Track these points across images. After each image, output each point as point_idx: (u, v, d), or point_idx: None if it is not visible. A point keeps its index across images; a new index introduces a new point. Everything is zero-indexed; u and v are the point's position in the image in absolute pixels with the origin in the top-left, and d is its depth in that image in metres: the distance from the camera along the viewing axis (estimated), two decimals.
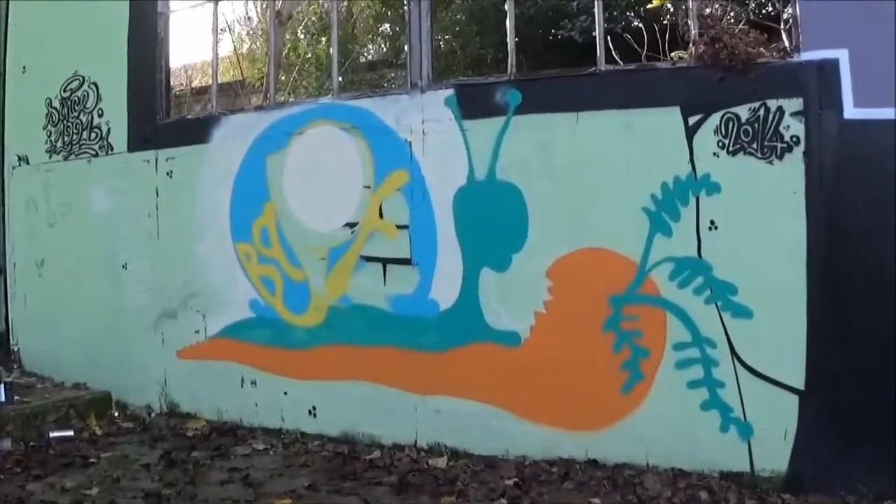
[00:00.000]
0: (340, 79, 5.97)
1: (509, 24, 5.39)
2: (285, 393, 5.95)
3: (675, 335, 4.74)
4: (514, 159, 5.12)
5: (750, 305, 4.56)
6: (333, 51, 6.23)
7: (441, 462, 5.23)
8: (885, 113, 4.26)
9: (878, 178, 4.32)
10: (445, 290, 5.35)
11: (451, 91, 5.34)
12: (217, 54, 6.66)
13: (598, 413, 4.96)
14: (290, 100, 6.28)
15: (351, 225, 5.66)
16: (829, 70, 4.37)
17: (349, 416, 5.70)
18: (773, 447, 4.53)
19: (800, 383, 4.47)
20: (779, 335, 4.51)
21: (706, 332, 4.66)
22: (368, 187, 5.60)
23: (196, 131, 6.31)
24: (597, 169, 4.92)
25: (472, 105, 5.25)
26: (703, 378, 4.68)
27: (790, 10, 4.50)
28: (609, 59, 5.41)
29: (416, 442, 5.47)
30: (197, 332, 6.30)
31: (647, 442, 4.81)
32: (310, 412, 5.86)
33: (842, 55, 4.33)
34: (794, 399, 4.49)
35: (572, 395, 5.02)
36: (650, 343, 4.80)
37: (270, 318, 6.01)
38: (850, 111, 4.32)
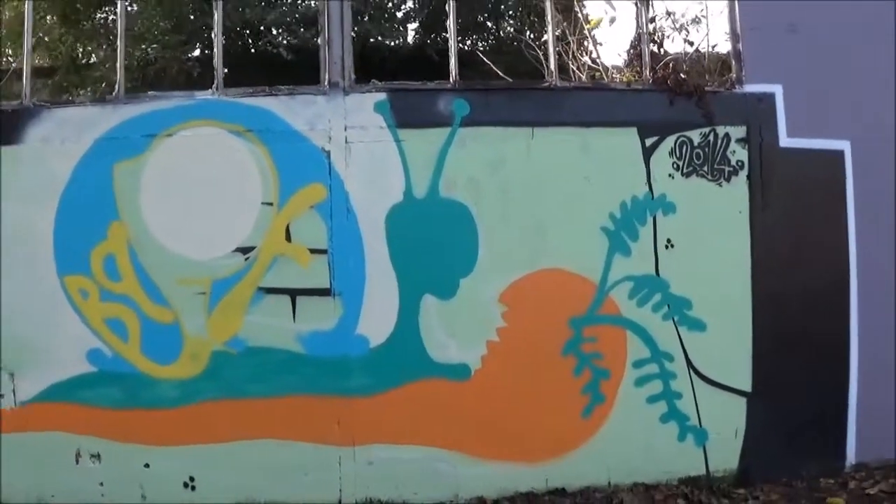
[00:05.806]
0: (225, 71, 4.74)
1: (451, 24, 4.89)
2: (146, 465, 4.66)
3: (634, 353, 4.82)
4: (461, 175, 4.69)
5: (703, 318, 4.83)
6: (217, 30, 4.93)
7: None
8: (812, 143, 4.87)
9: (808, 201, 4.90)
10: (377, 324, 4.69)
11: (382, 95, 4.68)
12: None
13: (559, 441, 4.80)
14: (150, 92, 4.82)
15: (244, 250, 4.64)
16: (767, 102, 4.86)
17: (244, 483, 4.70)
18: (726, 448, 4.89)
19: (747, 386, 4.88)
20: (728, 344, 4.86)
21: (664, 346, 4.82)
22: (270, 204, 4.64)
23: None
24: (554, 188, 4.75)
25: (409, 113, 4.68)
26: (662, 392, 4.83)
27: (739, 46, 4.86)
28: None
29: (340, 501, 4.71)
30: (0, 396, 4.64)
31: (609, 462, 4.80)
32: (186, 485, 4.68)
33: (777, 90, 4.85)
34: (743, 401, 4.89)
35: (530, 425, 4.78)
36: (611, 363, 4.80)
37: (121, 371, 4.64)
38: (785, 140, 4.85)
